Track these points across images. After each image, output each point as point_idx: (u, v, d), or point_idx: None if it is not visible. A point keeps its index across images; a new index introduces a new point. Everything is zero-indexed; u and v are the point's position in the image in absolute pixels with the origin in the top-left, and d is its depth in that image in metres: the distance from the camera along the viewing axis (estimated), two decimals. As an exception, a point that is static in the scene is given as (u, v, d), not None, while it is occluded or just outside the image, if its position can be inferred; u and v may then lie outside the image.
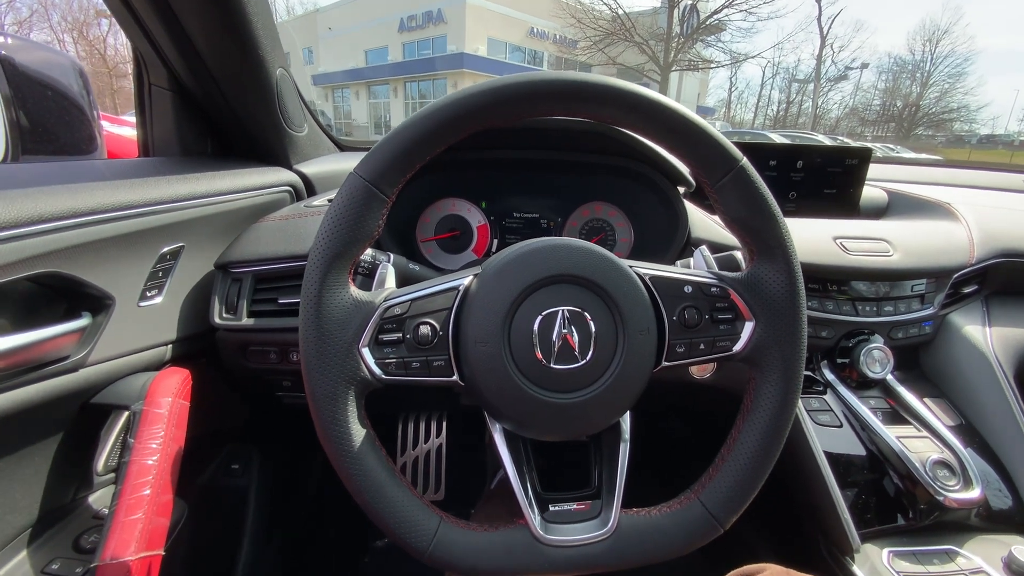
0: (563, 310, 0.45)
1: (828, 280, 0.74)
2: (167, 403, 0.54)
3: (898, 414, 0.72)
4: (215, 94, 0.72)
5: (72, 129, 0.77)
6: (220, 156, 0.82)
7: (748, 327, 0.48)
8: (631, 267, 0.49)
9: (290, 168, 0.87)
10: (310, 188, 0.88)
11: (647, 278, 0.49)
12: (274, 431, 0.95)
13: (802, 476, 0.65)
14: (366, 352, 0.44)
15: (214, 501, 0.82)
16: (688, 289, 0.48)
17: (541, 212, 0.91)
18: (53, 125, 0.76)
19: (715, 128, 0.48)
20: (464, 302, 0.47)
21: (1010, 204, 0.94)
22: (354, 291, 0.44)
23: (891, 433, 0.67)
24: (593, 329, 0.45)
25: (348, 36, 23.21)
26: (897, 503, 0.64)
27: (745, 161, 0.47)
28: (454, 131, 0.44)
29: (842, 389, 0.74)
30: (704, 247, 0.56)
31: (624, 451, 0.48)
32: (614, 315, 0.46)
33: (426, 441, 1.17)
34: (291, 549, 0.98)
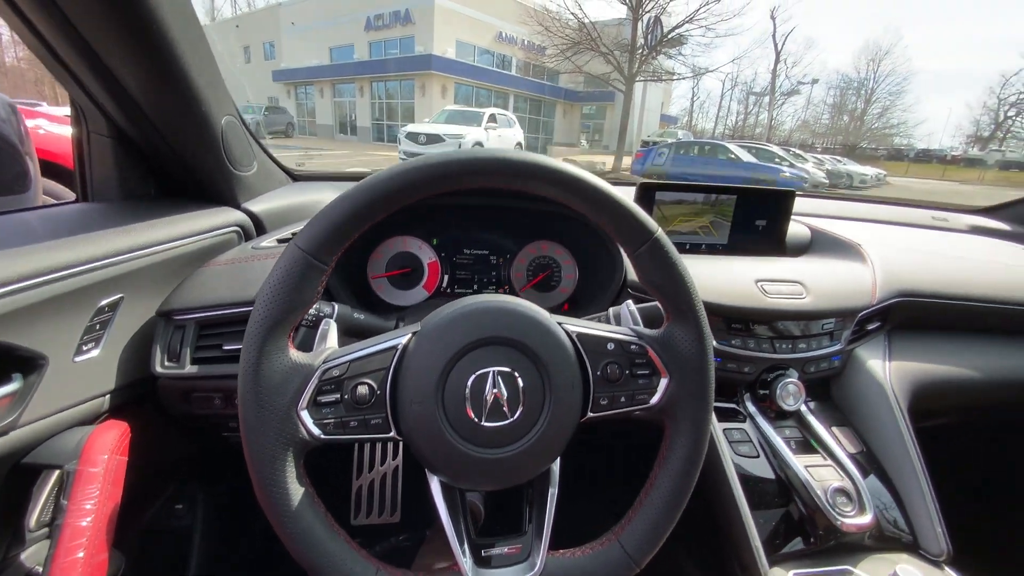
0: (493, 371, 0.49)
1: (751, 320, 0.81)
2: (103, 460, 0.54)
3: (808, 443, 0.79)
4: (158, 142, 0.71)
5: (2, 167, 0.74)
6: (164, 198, 0.81)
7: (663, 382, 0.53)
8: (561, 323, 0.54)
9: (238, 207, 0.87)
10: (259, 226, 0.89)
11: (574, 335, 0.53)
12: (220, 470, 0.95)
13: (720, 503, 0.71)
14: (304, 414, 0.46)
15: (156, 545, 0.81)
16: (611, 346, 0.53)
17: (491, 249, 0.94)
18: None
19: (630, 201, 0.53)
20: (402, 362, 0.49)
21: (915, 244, 1.05)
22: (293, 355, 0.46)
23: (800, 463, 0.74)
24: (522, 387, 0.49)
25: (313, 32, 22.63)
26: (802, 528, 0.71)
27: (660, 233, 0.52)
28: (391, 204, 0.46)
29: (761, 420, 0.81)
30: (630, 302, 0.60)
31: (552, 495, 0.52)
32: (541, 374, 0.50)
33: (382, 463, 1.18)
34: None
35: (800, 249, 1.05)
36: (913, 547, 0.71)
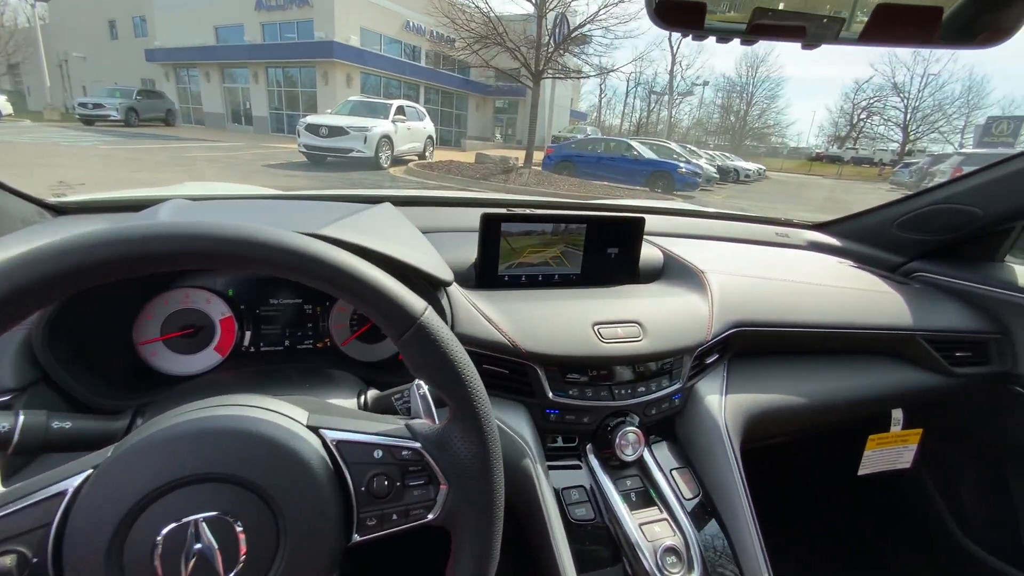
0: (196, 520, 0.36)
1: (587, 368, 0.76)
2: None
3: (648, 495, 0.76)
4: None
5: None
6: None
7: (443, 492, 0.44)
8: (319, 427, 0.43)
9: None
10: None
11: (332, 445, 0.43)
12: None
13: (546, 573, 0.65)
14: None
15: None
16: (378, 454, 0.43)
17: (304, 296, 0.80)
18: None
19: (389, 281, 0.43)
20: (68, 515, 0.35)
21: (755, 266, 1.07)
22: None
23: (635, 520, 0.71)
24: (242, 535, 0.37)
25: (192, 8, 20.16)
26: None
27: (427, 316, 0.42)
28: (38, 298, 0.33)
29: (601, 474, 0.76)
30: (420, 383, 0.50)
31: None
32: (274, 512, 0.38)
33: None
34: None
35: (654, 274, 1.03)
36: None
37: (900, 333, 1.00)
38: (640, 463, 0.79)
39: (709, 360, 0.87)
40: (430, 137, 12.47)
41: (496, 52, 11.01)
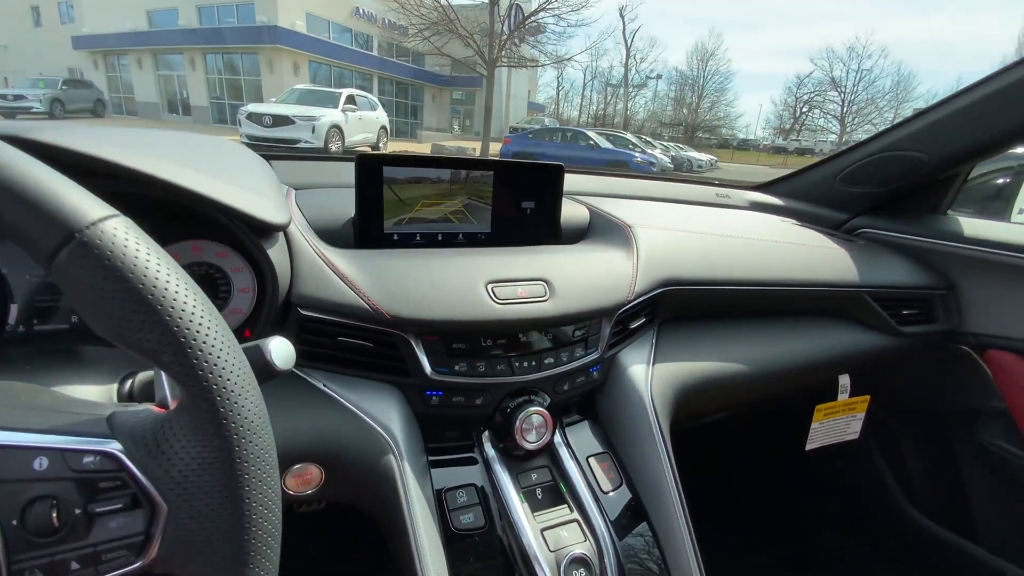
0: None
1: (479, 336, 0.60)
2: None
3: (557, 490, 0.61)
4: None
5: None
6: None
7: (161, 519, 0.27)
8: None
9: None
10: None
11: None
12: None
13: None
14: None
15: None
16: (40, 464, 0.26)
17: None
18: None
19: (51, 180, 0.25)
20: None
21: (691, 223, 0.94)
22: None
23: (537, 526, 0.56)
24: None
25: (120, -10, 18.60)
26: None
27: (101, 228, 0.25)
28: None
29: (499, 469, 0.61)
30: None
31: None
32: None
33: None
34: None
35: (579, 234, 0.89)
36: None
37: (846, 291, 0.90)
38: (550, 452, 0.65)
39: (634, 325, 0.73)
40: (384, 127, 11.99)
41: (448, 39, 10.72)
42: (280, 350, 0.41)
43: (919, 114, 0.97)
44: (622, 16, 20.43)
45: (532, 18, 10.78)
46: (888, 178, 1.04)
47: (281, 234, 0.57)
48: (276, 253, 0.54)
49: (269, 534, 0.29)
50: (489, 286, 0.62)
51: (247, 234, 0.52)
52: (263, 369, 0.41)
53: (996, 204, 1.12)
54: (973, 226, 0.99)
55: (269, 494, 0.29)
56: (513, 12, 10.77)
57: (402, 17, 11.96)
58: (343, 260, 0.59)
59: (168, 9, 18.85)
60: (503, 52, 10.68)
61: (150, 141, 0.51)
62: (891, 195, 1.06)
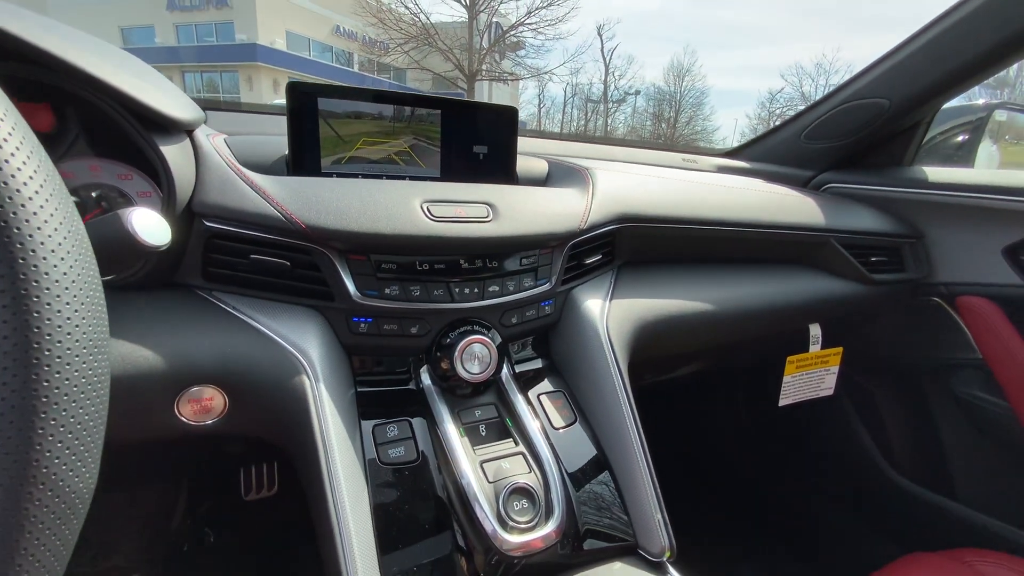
0: None
1: (412, 254, 0.54)
2: None
3: (503, 426, 0.55)
4: None
5: None
6: None
7: None
8: None
9: None
10: None
11: None
12: None
13: (326, 550, 0.42)
14: None
15: None
16: None
17: None
18: None
19: None
20: None
21: (650, 173, 0.91)
22: None
23: (476, 459, 0.49)
24: None
25: (91, 8, 18.40)
26: (466, 559, 0.45)
27: None
28: None
29: (438, 400, 0.55)
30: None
31: None
32: None
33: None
34: None
35: (536, 184, 0.84)
36: (632, 548, 0.51)
37: (813, 235, 0.87)
38: (497, 390, 0.59)
39: (590, 260, 0.69)
40: (364, 141, 11.96)
41: (427, 52, 10.83)
42: (144, 220, 0.35)
43: (879, 60, 0.96)
44: (600, 35, 21.00)
45: (511, 32, 10.96)
46: (851, 129, 1.02)
47: (187, 141, 0.51)
48: (176, 154, 0.48)
49: (60, 506, 0.21)
50: (425, 204, 0.56)
51: (137, 128, 0.46)
52: (123, 244, 0.34)
53: (958, 158, 1.11)
54: (938, 174, 0.98)
55: (74, 442, 0.21)
56: (493, 28, 10.94)
57: (382, 33, 12.05)
58: (260, 178, 0.53)
59: (144, 27, 18.72)
60: (483, 65, 10.81)
61: (57, 26, 0.44)
62: (856, 147, 1.05)
